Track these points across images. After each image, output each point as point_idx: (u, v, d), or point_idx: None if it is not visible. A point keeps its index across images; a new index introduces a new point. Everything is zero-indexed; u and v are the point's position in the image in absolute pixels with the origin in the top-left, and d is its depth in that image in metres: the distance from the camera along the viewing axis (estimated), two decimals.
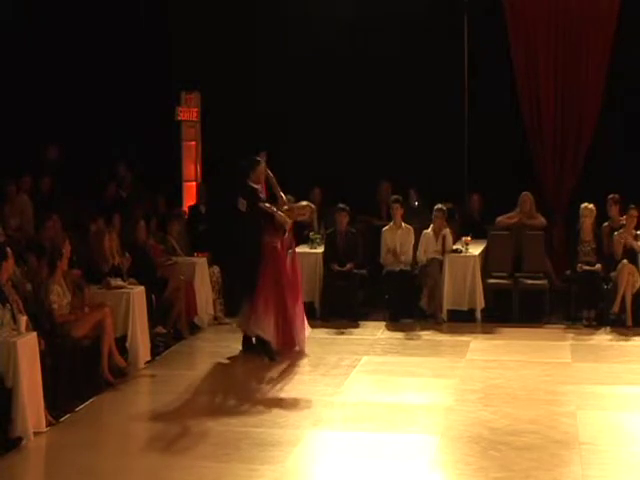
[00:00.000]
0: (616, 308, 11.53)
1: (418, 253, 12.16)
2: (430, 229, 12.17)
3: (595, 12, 13.35)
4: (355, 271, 11.97)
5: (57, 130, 13.43)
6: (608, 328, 11.44)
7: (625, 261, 11.59)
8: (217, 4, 14.15)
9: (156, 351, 10.26)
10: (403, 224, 12.23)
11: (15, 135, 13.08)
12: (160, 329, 10.67)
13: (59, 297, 8.79)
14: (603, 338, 11.11)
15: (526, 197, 12.69)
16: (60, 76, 13.65)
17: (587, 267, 11.81)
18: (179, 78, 14.11)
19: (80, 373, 8.74)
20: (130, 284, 9.94)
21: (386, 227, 12.33)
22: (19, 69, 13.50)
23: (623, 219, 12.00)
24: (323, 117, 13.70)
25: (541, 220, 12.67)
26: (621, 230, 11.89)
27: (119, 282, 9.83)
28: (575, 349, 10.47)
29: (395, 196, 12.70)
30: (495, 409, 8.25)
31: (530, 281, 12.13)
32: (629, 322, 11.47)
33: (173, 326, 10.91)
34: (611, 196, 12.31)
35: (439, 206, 12.24)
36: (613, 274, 11.66)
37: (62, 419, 8.04)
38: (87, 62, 13.80)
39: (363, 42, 13.80)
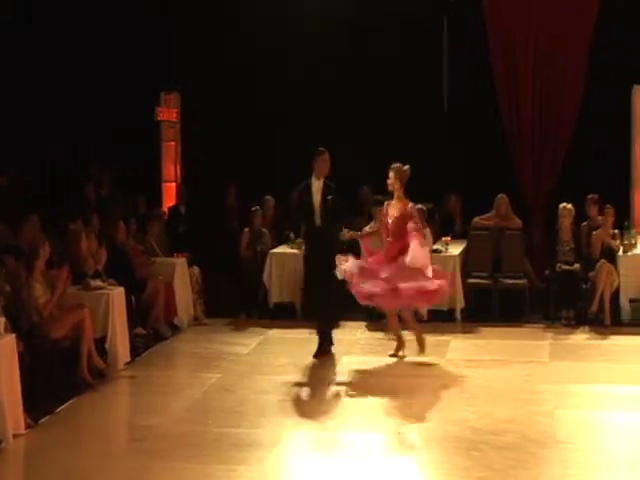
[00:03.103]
0: (594, 307, 11.59)
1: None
2: None
3: (573, 15, 13.42)
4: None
5: (36, 129, 13.38)
6: (587, 327, 11.51)
7: (603, 261, 11.66)
8: (197, 4, 14.14)
9: (136, 352, 10.23)
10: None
11: None
12: (140, 330, 10.65)
13: (44, 293, 8.79)
14: (582, 337, 11.17)
15: (502, 200, 12.75)
16: (38, 76, 13.59)
17: (566, 267, 11.87)
18: (158, 78, 14.08)
19: (59, 374, 8.70)
20: (109, 285, 9.91)
21: (367, 228, 12.33)
22: None
23: (601, 219, 12.07)
24: (304, 118, 13.71)
25: (517, 222, 12.73)
26: (599, 230, 11.96)
27: (98, 283, 9.80)
28: (554, 348, 10.52)
29: (377, 197, 12.72)
30: (475, 408, 8.28)
31: (509, 281, 12.18)
32: (607, 321, 11.54)
33: (153, 327, 10.89)
34: (590, 196, 12.39)
35: (419, 206, 12.24)
36: (592, 274, 11.72)
37: (41, 421, 8.00)
38: (66, 62, 13.75)
39: (343, 44, 13.81)
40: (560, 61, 13.47)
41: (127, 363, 9.83)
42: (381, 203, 12.51)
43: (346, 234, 10.31)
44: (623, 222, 12.18)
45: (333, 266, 10.12)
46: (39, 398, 8.24)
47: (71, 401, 8.56)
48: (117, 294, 9.81)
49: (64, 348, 8.84)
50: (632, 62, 13.14)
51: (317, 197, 10.15)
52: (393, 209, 9.93)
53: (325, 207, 10.09)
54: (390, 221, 9.88)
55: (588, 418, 8.05)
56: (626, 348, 10.68)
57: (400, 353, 10.10)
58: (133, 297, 10.42)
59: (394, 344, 10.78)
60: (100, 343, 9.46)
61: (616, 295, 11.65)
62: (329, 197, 10.08)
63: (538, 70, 13.55)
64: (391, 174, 9.93)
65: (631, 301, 11.69)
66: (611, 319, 11.56)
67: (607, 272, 11.58)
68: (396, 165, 9.94)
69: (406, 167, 9.93)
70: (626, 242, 11.88)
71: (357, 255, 10.37)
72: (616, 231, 12.00)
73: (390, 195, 10.07)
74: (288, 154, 13.39)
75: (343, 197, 10.47)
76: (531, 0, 13.53)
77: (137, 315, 10.57)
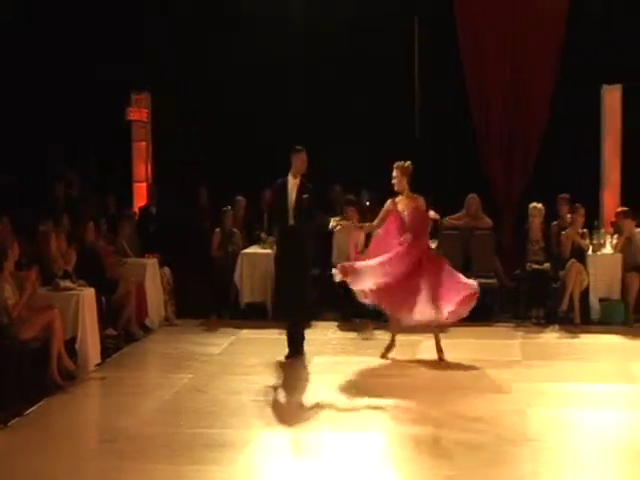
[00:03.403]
0: (564, 306, 11.68)
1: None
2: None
3: (544, 16, 13.53)
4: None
5: (6, 130, 13.29)
6: (556, 326, 11.59)
7: (573, 260, 11.74)
8: (168, 4, 14.11)
9: (106, 353, 10.17)
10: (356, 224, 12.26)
11: None
12: (110, 331, 10.60)
13: (13, 294, 8.74)
14: (552, 336, 11.25)
15: (472, 200, 12.81)
16: (8, 75, 13.50)
17: (536, 266, 11.94)
18: (129, 78, 14.02)
19: (28, 376, 8.63)
20: (79, 286, 9.85)
21: (338, 227, 12.32)
22: None
23: (569, 217, 12.16)
24: (275, 118, 13.70)
25: (487, 221, 12.79)
26: (569, 229, 12.04)
27: (68, 284, 9.74)
28: (524, 347, 10.57)
29: (348, 196, 12.75)
30: (445, 408, 8.30)
31: (480, 280, 12.12)
32: (577, 320, 11.63)
33: (124, 328, 10.84)
34: (562, 195, 12.49)
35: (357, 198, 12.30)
36: (561, 273, 11.80)
37: (10, 423, 7.94)
38: (35, 62, 13.67)
39: (312, 44, 13.83)
40: (531, 61, 13.56)
41: (97, 364, 9.77)
42: (352, 202, 12.60)
43: (335, 222, 10.21)
44: (593, 222, 12.28)
45: (305, 266, 10.13)
46: (8, 400, 8.18)
47: (41, 403, 8.50)
48: (87, 295, 9.75)
49: (33, 349, 8.78)
50: (602, 62, 13.25)
51: (292, 196, 10.10)
52: (403, 206, 9.82)
53: (300, 206, 10.05)
54: (407, 219, 9.75)
55: (558, 416, 8.10)
56: (595, 347, 10.76)
57: (390, 355, 10.07)
58: (103, 298, 10.37)
59: (366, 343, 10.83)
60: (70, 344, 9.40)
61: (586, 294, 11.74)
62: (304, 196, 10.05)
63: (509, 70, 13.63)
64: (396, 172, 9.82)
65: (600, 300, 11.79)
66: (581, 318, 11.64)
67: (577, 271, 11.66)
68: (399, 163, 9.86)
69: (408, 163, 9.89)
70: (595, 242, 11.97)
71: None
72: (585, 230, 12.09)
73: (395, 194, 9.95)
74: (259, 154, 13.40)
75: (319, 197, 10.44)
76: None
77: (108, 316, 10.52)
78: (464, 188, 12.99)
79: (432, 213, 10.15)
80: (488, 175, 13.71)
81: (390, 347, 10.06)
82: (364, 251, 12.12)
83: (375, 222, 10.14)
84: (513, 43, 13.62)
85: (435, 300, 9.53)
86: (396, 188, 9.87)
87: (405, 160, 9.91)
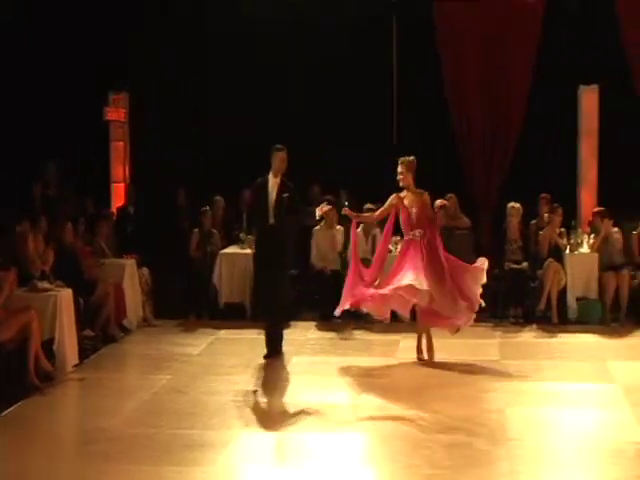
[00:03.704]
0: (542, 305, 11.74)
1: (348, 253, 12.20)
2: (360, 229, 12.22)
3: (521, 17, 13.60)
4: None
5: None
6: (534, 325, 11.65)
7: (551, 259, 11.81)
8: (146, 4, 14.06)
9: (84, 354, 10.13)
10: (334, 224, 12.29)
11: None
12: (88, 332, 10.56)
13: None
14: (530, 335, 11.30)
15: (451, 199, 12.83)
16: None
17: (514, 266, 12.00)
18: (107, 78, 13.97)
19: (6, 377, 8.59)
20: (57, 286, 9.81)
21: (317, 227, 12.37)
22: None
23: (547, 216, 12.22)
24: (252, 118, 13.68)
25: (465, 221, 12.84)
26: (546, 228, 12.10)
27: (46, 285, 9.69)
28: (503, 346, 10.62)
29: (327, 196, 12.74)
30: (425, 407, 8.31)
31: None
32: (555, 319, 11.69)
33: (102, 329, 10.80)
34: (543, 195, 12.57)
35: (368, 206, 12.30)
36: (539, 272, 11.86)
37: None
38: (13, 61, 13.59)
39: (292, 47, 13.82)
40: (508, 61, 13.63)
41: (75, 365, 9.73)
42: (331, 202, 12.57)
43: (320, 211, 10.16)
44: (570, 221, 12.35)
45: (284, 266, 10.12)
46: None
47: (18, 404, 8.44)
48: (65, 296, 9.70)
49: (11, 351, 8.74)
50: (579, 62, 13.33)
51: (272, 195, 10.08)
52: (410, 201, 9.77)
53: (280, 205, 10.04)
54: (414, 215, 9.72)
55: (537, 415, 8.14)
56: (573, 346, 10.82)
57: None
58: (81, 299, 10.33)
59: (344, 343, 10.85)
60: (48, 345, 9.35)
61: (563, 293, 11.81)
62: (284, 195, 10.03)
63: (487, 70, 13.69)
64: (402, 168, 9.79)
65: (578, 299, 11.86)
66: (558, 317, 11.71)
67: (554, 271, 11.72)
68: (404, 158, 9.85)
69: (412, 158, 9.88)
70: (573, 241, 12.04)
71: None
72: (563, 230, 12.15)
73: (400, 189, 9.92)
74: (237, 154, 13.38)
75: (300, 196, 10.43)
76: (479, 0, 13.67)
77: (85, 317, 10.47)
78: (441, 188, 13.01)
79: (439, 202, 10.16)
80: (467, 175, 13.76)
81: (420, 348, 9.98)
82: (344, 252, 12.17)
83: (377, 213, 10.16)
84: (491, 44, 13.68)
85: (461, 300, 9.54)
86: (402, 184, 9.83)
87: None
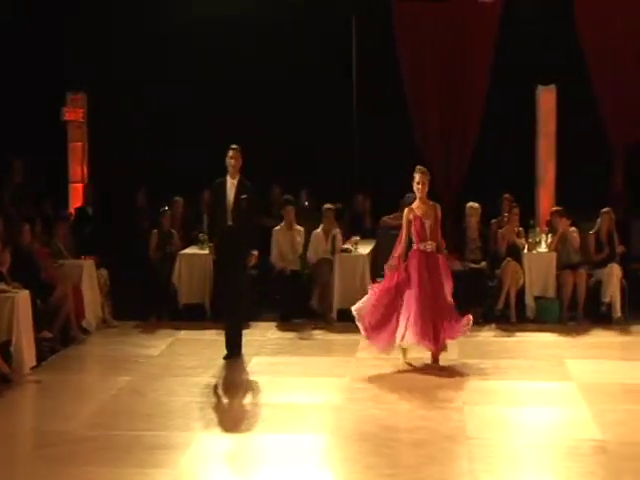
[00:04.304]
0: (501, 305, 11.82)
1: (308, 253, 12.23)
2: (320, 229, 12.25)
3: (479, 17, 13.68)
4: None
5: None
6: (493, 325, 11.71)
7: (509, 259, 11.89)
8: (103, 4, 13.97)
9: (42, 356, 10.04)
10: (294, 225, 12.29)
11: None
12: (46, 333, 10.44)
13: None
14: (488, 335, 11.36)
15: (410, 199, 12.86)
16: None
17: (473, 265, 12.06)
18: (64, 78, 13.85)
19: None
20: (14, 288, 9.71)
21: (277, 227, 12.36)
22: None
23: (506, 215, 12.32)
24: (212, 119, 13.65)
25: None
26: (504, 228, 12.19)
27: (2, 286, 9.59)
28: (462, 346, 10.64)
29: (287, 196, 12.77)
30: (385, 406, 8.35)
31: None
32: (513, 318, 11.77)
33: (60, 330, 10.70)
34: (506, 195, 12.66)
35: (328, 206, 12.33)
36: (498, 271, 11.94)
37: None
38: None
39: (251, 46, 13.80)
40: (466, 62, 13.71)
41: (33, 367, 9.64)
42: (290, 202, 12.61)
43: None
44: (528, 221, 12.46)
45: (243, 266, 10.10)
46: None
47: None
48: (22, 297, 9.61)
49: None
50: (536, 63, 13.44)
51: (230, 196, 10.06)
52: (423, 212, 9.59)
53: (238, 206, 10.01)
54: (428, 228, 9.54)
55: (496, 413, 8.20)
56: (531, 345, 10.91)
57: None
58: (39, 300, 10.23)
59: (304, 343, 10.86)
60: (5, 347, 9.26)
61: (522, 292, 11.89)
62: (243, 196, 10.01)
63: (445, 70, 13.77)
64: (423, 178, 9.56)
65: (536, 298, 11.95)
66: (517, 316, 11.79)
67: (513, 270, 11.81)
68: (423, 168, 9.66)
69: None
70: (531, 240, 12.13)
71: None
72: (521, 229, 12.25)
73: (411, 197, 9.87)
74: (197, 154, 13.34)
75: (258, 196, 10.41)
76: (438, 1, 13.75)
77: (43, 318, 10.37)
78: (400, 188, 13.05)
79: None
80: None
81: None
82: (303, 253, 12.18)
83: (402, 237, 9.69)
84: (449, 44, 13.75)
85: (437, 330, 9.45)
86: (421, 194, 9.62)
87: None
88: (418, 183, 9.60)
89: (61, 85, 13.89)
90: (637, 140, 13.75)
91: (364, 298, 9.75)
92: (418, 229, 9.57)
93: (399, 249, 9.71)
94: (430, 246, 9.57)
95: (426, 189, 9.65)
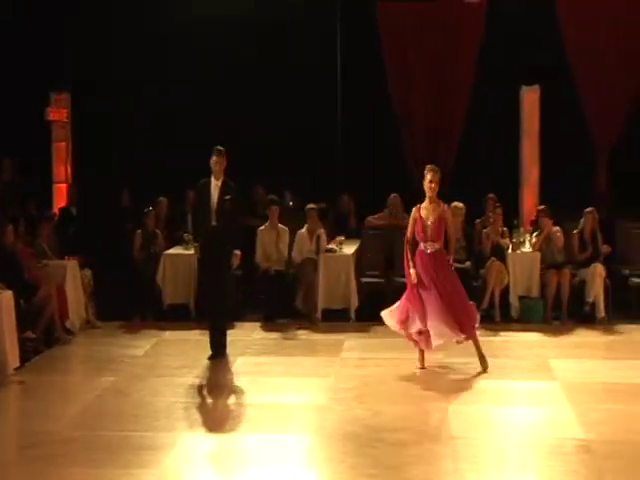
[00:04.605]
0: (485, 304, 11.84)
1: (293, 253, 12.24)
2: (304, 229, 12.26)
3: (463, 17, 13.73)
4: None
5: None
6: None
7: (493, 258, 11.92)
8: (88, 4, 13.94)
9: (26, 357, 10.00)
10: (279, 224, 12.30)
11: None
12: (29, 334, 10.41)
13: None
14: None
15: (395, 199, 12.94)
16: None
17: (457, 265, 12.06)
18: (48, 78, 13.81)
19: None
20: None
21: (262, 227, 12.36)
22: None
23: (490, 215, 12.35)
24: (195, 118, 13.65)
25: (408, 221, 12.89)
26: (488, 228, 12.22)
27: None
28: (446, 345, 10.67)
29: (271, 196, 12.76)
30: (369, 406, 8.35)
31: (403, 280, 12.26)
32: (497, 318, 11.81)
33: (44, 331, 10.67)
34: (490, 195, 12.69)
35: (312, 206, 12.33)
36: (482, 271, 11.97)
37: None
38: None
39: (236, 44, 13.80)
40: (451, 62, 13.75)
41: (16, 368, 9.60)
42: (275, 202, 12.61)
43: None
44: (513, 220, 12.50)
45: (227, 267, 10.10)
46: None
47: None
48: (5, 298, 9.58)
49: None
50: (520, 63, 13.49)
51: (214, 197, 10.06)
52: (427, 212, 9.45)
53: (222, 207, 10.01)
54: (430, 228, 9.41)
55: (480, 413, 8.21)
56: (516, 344, 10.94)
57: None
58: (22, 300, 10.19)
59: (289, 344, 10.86)
60: None
61: (506, 292, 11.93)
62: (227, 197, 10.01)
63: (429, 70, 13.80)
64: (433, 175, 9.36)
65: (520, 298, 11.99)
66: (501, 316, 11.83)
67: (497, 270, 11.84)
68: (434, 167, 9.48)
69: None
70: (515, 240, 12.17)
71: None
72: (506, 229, 12.28)
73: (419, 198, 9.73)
74: (181, 154, 13.32)
75: (242, 197, 10.40)
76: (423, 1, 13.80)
77: (26, 319, 10.33)
78: (385, 188, 13.10)
79: None
80: (411, 174, 13.83)
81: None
82: (285, 252, 12.19)
83: (408, 235, 9.61)
84: (433, 44, 13.79)
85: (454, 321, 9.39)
86: (431, 194, 9.45)
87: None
88: (430, 182, 9.40)
89: (45, 85, 13.84)
90: (621, 140, 13.81)
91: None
92: (419, 229, 9.52)
93: (407, 250, 9.65)
94: (431, 247, 9.50)
95: (437, 188, 9.46)
